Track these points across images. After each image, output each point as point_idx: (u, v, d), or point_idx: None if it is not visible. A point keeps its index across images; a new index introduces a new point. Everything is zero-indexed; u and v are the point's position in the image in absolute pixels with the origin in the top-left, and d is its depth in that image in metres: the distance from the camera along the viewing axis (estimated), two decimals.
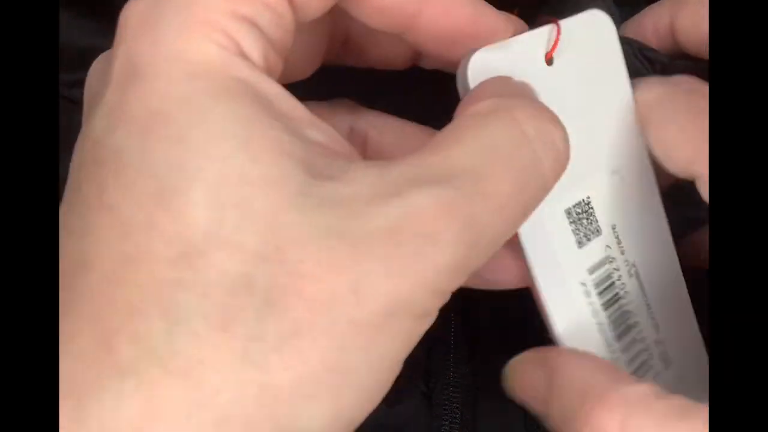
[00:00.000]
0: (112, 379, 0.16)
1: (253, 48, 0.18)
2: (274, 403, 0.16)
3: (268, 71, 0.19)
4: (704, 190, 0.23)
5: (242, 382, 0.16)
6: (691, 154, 0.23)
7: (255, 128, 0.17)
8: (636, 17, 0.30)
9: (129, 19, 0.19)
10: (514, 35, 0.23)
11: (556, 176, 0.19)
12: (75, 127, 0.21)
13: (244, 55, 0.18)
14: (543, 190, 0.19)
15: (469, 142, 0.18)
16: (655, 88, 0.25)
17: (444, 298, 0.19)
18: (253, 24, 0.18)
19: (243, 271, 0.16)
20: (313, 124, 0.19)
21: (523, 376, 0.24)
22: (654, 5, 0.30)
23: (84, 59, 0.35)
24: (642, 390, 0.21)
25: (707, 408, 0.20)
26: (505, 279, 0.24)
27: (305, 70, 0.23)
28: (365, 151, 0.24)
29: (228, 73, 0.18)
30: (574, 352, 0.24)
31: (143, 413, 0.16)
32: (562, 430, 0.23)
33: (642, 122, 0.25)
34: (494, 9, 0.22)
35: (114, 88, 0.19)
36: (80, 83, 0.35)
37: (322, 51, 0.24)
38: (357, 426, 0.18)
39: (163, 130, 0.17)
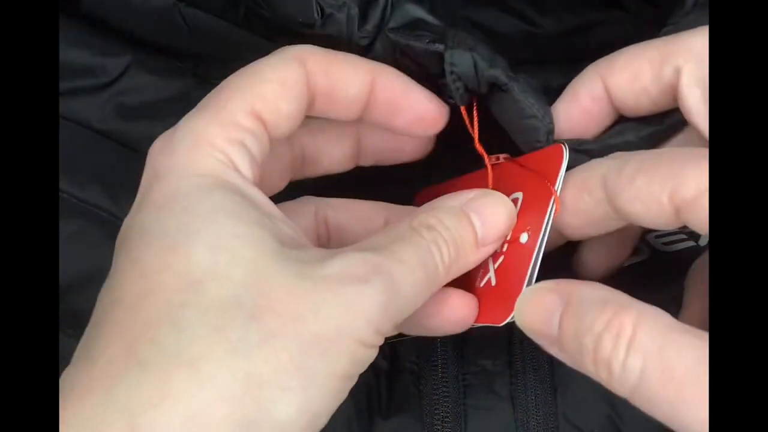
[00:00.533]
0: (135, 370, 0.21)
1: (243, 162, 0.25)
2: (257, 388, 0.21)
3: (253, 180, 0.25)
4: (699, 218, 0.24)
5: (233, 369, 0.21)
6: (670, 187, 0.24)
7: (241, 209, 0.24)
8: (569, 90, 0.30)
9: (153, 149, 0.26)
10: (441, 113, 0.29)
11: (448, 260, 0.26)
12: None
13: (236, 168, 0.25)
14: (436, 269, 0.25)
15: (386, 232, 0.26)
16: (604, 162, 0.27)
17: (378, 338, 0.24)
18: (242, 145, 0.25)
19: (232, 294, 0.22)
20: (284, 220, 0.25)
21: (537, 300, 0.26)
22: (580, 76, 0.30)
23: (63, 71, 0.35)
24: (656, 309, 0.24)
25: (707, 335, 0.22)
26: (440, 326, 0.29)
27: (278, 184, 0.30)
28: (328, 226, 0.31)
29: (223, 178, 0.24)
30: (587, 282, 0.26)
31: (158, 392, 0.21)
32: (574, 341, 0.24)
33: (608, 195, 0.26)
34: (426, 90, 0.29)
35: (140, 190, 0.25)
36: (60, 94, 0.35)
37: (288, 168, 0.30)
38: (321, 426, 0.23)
39: (175, 206, 0.24)
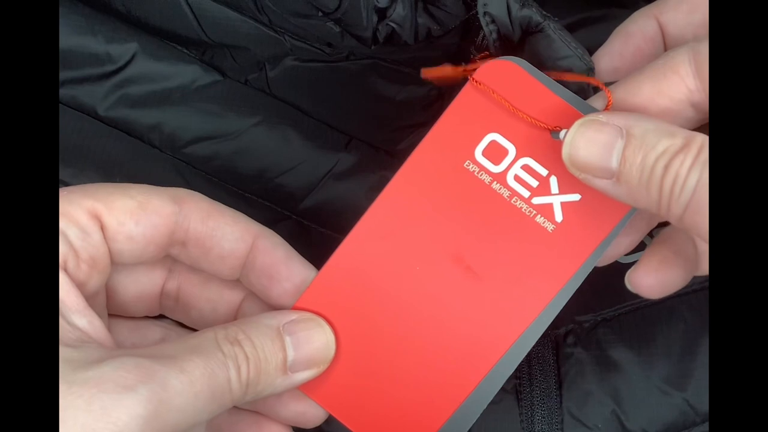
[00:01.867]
0: None
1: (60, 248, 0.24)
2: None
3: (66, 267, 0.25)
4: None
5: None
6: None
7: None
8: (619, 30, 0.29)
9: None
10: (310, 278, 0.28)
11: (246, 379, 0.25)
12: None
13: None
14: (227, 386, 0.24)
15: (188, 338, 0.25)
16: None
17: None
18: (63, 234, 0.24)
19: None
20: (79, 311, 0.24)
21: (593, 133, 0.25)
22: (631, 18, 0.29)
23: (69, 59, 0.35)
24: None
25: None
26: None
27: (140, 309, 0.29)
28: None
29: None
30: (639, 114, 0.25)
31: None
32: (639, 170, 0.24)
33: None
34: (300, 257, 0.28)
35: None
36: (66, 83, 0.35)
37: (154, 297, 0.29)
38: None
39: None
